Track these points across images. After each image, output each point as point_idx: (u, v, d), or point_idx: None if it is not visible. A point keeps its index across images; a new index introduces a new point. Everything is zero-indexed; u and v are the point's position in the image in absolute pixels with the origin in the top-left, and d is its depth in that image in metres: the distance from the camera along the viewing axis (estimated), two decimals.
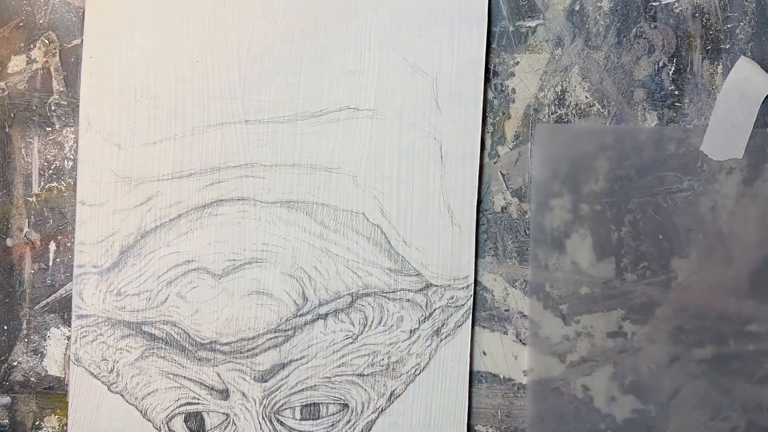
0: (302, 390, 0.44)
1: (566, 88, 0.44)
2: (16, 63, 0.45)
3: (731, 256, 0.44)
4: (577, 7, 0.44)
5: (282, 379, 0.44)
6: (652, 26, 0.44)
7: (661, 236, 0.44)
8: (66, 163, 0.45)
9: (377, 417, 0.44)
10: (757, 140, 0.43)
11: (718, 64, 0.44)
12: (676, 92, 0.44)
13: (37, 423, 0.45)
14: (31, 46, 0.45)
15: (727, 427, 0.44)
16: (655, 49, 0.44)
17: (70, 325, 0.45)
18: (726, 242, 0.44)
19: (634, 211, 0.44)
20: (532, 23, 0.44)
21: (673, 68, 0.44)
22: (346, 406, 0.44)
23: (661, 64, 0.44)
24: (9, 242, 0.45)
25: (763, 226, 0.44)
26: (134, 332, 0.45)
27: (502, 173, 0.44)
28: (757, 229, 0.44)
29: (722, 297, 0.44)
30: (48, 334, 0.45)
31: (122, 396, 0.45)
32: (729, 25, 0.44)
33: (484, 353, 0.44)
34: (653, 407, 0.44)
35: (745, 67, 0.42)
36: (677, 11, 0.44)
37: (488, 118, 0.44)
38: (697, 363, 0.44)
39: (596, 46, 0.44)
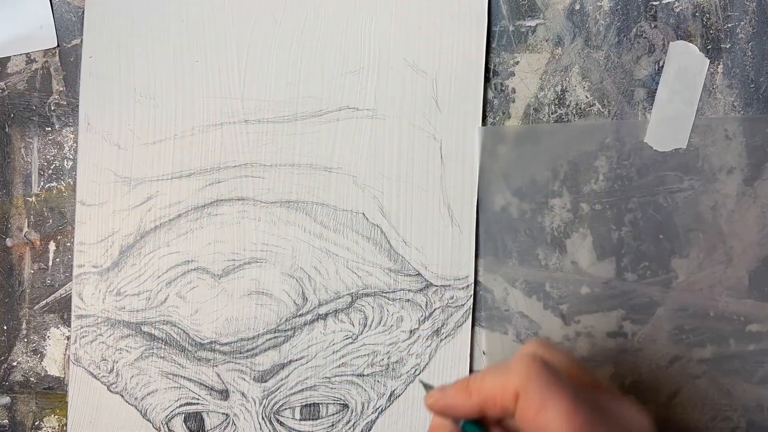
0: (302, 390, 0.44)
1: (566, 88, 0.44)
2: (16, 63, 0.45)
3: (732, 256, 0.43)
4: (577, 7, 0.44)
5: (281, 380, 0.44)
6: (653, 26, 0.44)
7: (661, 236, 0.44)
8: (65, 162, 0.45)
9: (377, 417, 0.44)
10: (757, 139, 0.43)
11: (719, 64, 0.44)
12: None
13: (36, 423, 0.45)
14: None
15: (727, 427, 0.44)
16: (656, 49, 0.44)
17: (69, 326, 0.45)
18: (726, 242, 0.44)
19: (635, 210, 0.44)
20: (532, 23, 0.44)
21: None
22: (346, 406, 0.44)
23: (661, 64, 0.44)
24: (9, 242, 0.45)
25: (764, 225, 0.43)
26: (134, 332, 0.45)
27: (502, 173, 0.44)
28: (757, 228, 0.43)
29: (723, 297, 0.44)
30: (47, 334, 0.45)
31: (122, 396, 0.45)
32: (729, 24, 0.44)
33: (484, 353, 0.44)
34: (653, 407, 0.44)
35: (679, 54, 0.42)
36: (677, 10, 0.44)
37: (488, 118, 0.44)
38: (697, 363, 0.44)
39: (596, 46, 0.44)
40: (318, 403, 0.44)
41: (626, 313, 0.44)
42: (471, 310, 0.44)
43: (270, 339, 0.44)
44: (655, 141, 0.43)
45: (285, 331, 0.44)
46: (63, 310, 0.45)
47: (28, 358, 0.45)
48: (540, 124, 0.44)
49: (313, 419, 0.44)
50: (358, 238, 0.44)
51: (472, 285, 0.44)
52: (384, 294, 0.44)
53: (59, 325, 0.45)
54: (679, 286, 0.44)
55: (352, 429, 0.44)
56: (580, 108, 0.44)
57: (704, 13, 0.44)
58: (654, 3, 0.44)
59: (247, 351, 0.44)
